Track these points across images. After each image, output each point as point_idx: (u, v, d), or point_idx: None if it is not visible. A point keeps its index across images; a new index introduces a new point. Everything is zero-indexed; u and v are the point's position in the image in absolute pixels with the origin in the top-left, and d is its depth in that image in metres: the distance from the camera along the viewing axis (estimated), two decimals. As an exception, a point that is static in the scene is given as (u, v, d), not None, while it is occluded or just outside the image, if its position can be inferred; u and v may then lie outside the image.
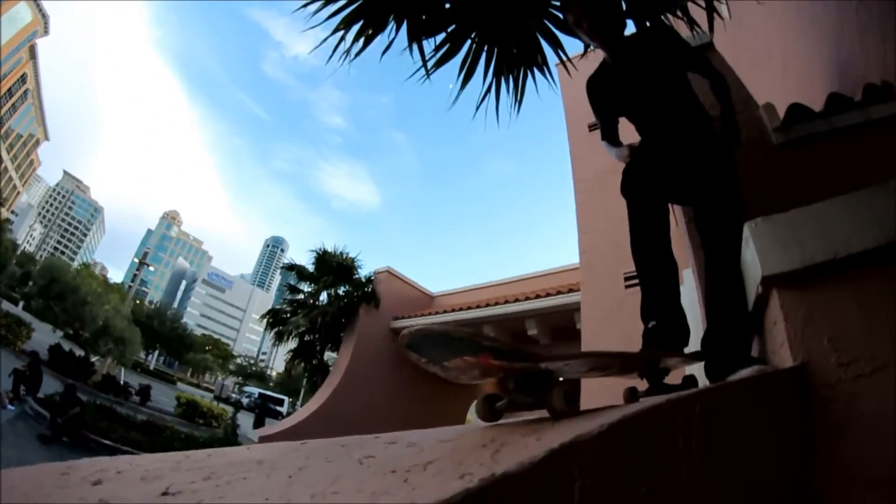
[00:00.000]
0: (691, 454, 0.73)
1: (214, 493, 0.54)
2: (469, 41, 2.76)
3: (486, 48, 2.76)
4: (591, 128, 9.61)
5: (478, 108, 2.81)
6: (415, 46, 2.70)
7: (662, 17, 2.44)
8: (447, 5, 2.66)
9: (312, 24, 2.64)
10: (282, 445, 0.93)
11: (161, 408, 21.89)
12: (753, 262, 1.21)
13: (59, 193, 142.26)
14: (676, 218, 2.83)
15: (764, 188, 2.05)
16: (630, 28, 2.42)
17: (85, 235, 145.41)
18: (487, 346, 0.91)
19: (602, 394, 1.84)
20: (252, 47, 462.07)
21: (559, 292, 10.23)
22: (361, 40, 2.68)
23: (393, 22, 2.67)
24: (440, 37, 2.73)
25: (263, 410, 26.90)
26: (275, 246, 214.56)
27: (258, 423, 21.07)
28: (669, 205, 2.00)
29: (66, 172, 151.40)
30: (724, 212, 1.74)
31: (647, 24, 2.46)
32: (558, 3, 2.61)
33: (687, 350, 1.68)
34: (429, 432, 0.91)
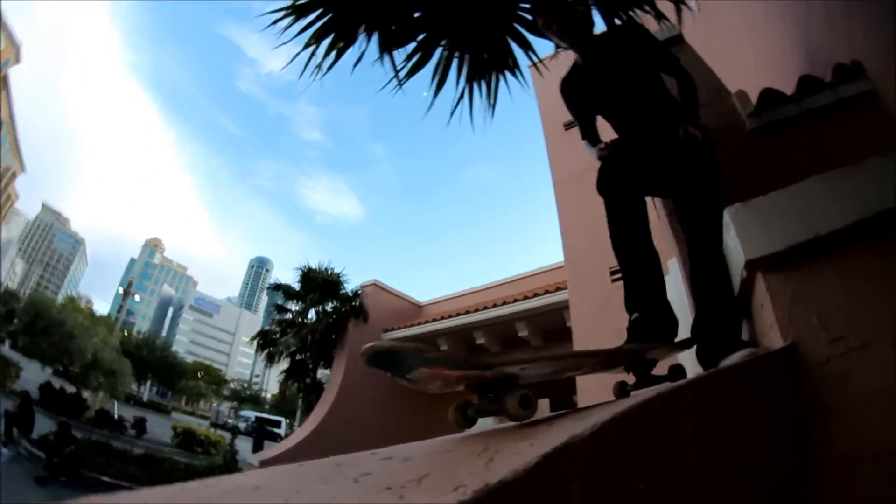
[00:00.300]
0: (685, 447, 0.72)
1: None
2: (440, 49, 2.75)
3: (456, 55, 2.76)
4: (567, 126, 9.70)
5: (452, 115, 2.80)
6: (386, 57, 2.71)
7: (631, 12, 2.45)
8: (416, 14, 2.64)
9: (283, 41, 2.62)
10: (279, 469, 0.91)
11: (158, 439, 21.54)
12: (736, 247, 1.22)
13: (38, 227, 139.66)
14: (658, 210, 2.85)
15: (741, 174, 2.07)
16: (599, 25, 2.44)
17: (67, 268, 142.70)
18: (432, 359, 0.92)
19: (599, 390, 1.83)
20: (225, 65, 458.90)
21: (546, 291, 10.23)
22: (333, 54, 2.66)
23: (363, 34, 2.66)
24: (411, 46, 2.73)
25: (261, 434, 26.56)
26: (260, 266, 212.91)
27: (257, 447, 20.82)
28: (648, 199, 2.01)
29: (44, 205, 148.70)
30: (704, 202, 1.73)
31: (616, 21, 2.47)
32: (527, 6, 2.63)
33: (676, 339, 1.68)
34: (424, 445, 0.89)
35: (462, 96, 2.76)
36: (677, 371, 1.56)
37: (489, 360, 1.01)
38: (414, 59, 2.74)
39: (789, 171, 1.99)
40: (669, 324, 1.69)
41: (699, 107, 1.99)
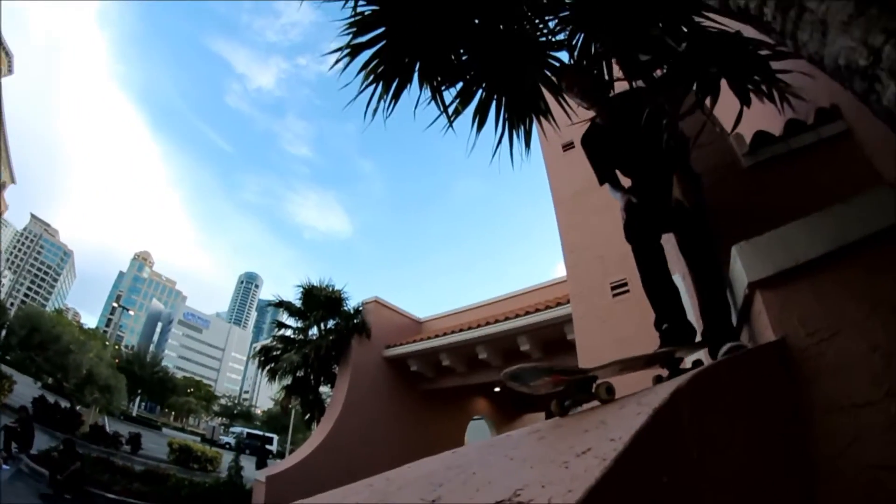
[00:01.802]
0: (728, 392, 1.16)
1: None
2: (481, 91, 3.13)
3: (495, 97, 3.14)
4: (566, 148, 10.16)
5: (494, 153, 3.20)
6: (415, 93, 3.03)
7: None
8: (464, 58, 3.02)
9: (345, 84, 2.96)
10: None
11: (153, 455, 21.32)
12: (741, 272, 1.67)
13: (27, 238, 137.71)
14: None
15: (739, 205, 2.54)
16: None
17: (56, 280, 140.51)
18: (557, 370, 1.42)
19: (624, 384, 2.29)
20: (214, 80, 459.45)
21: (548, 307, 10.47)
22: (391, 92, 3.01)
23: (416, 75, 3.02)
24: (453, 90, 3.13)
25: (263, 451, 26.52)
26: (249, 282, 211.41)
27: (260, 464, 20.76)
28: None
29: (33, 216, 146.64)
30: (701, 241, 2.27)
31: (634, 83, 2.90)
32: (557, 54, 3.08)
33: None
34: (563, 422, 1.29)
35: (502, 136, 3.16)
36: (698, 364, 2.03)
37: (577, 368, 1.48)
38: (458, 100, 3.12)
39: (778, 202, 2.46)
40: (690, 332, 2.18)
41: (687, 167, 2.44)
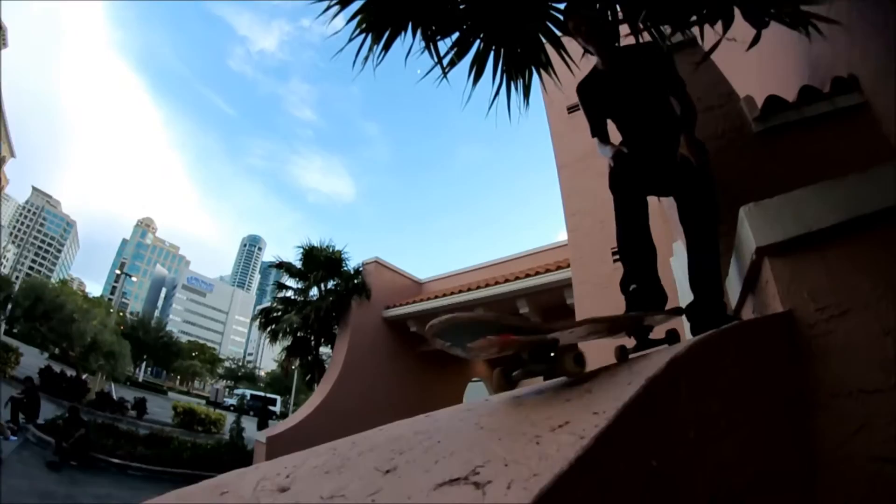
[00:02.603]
0: (732, 366, 1.06)
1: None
2: (478, 42, 2.95)
3: (493, 49, 2.97)
4: (570, 110, 9.87)
5: (490, 107, 3.04)
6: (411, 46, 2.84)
7: (657, 28, 2.69)
8: (461, 6, 2.84)
9: (334, 30, 2.77)
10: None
11: (158, 419, 21.75)
12: (748, 236, 1.54)
13: (29, 211, 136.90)
14: (662, 203, 3.13)
15: (747, 171, 2.40)
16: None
17: (59, 251, 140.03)
18: (511, 326, 1.09)
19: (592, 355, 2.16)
20: (216, 44, 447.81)
21: (548, 270, 10.40)
22: (381, 43, 2.83)
23: (409, 25, 2.83)
24: (450, 39, 2.93)
25: (265, 412, 27.05)
26: (252, 245, 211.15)
27: (262, 425, 21.11)
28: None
29: (34, 188, 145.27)
30: (700, 209, 2.10)
31: (640, 35, 2.72)
32: (559, 6, 2.89)
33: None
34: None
35: (500, 89, 3.00)
36: (673, 335, 1.89)
37: (541, 326, 1.20)
38: (454, 51, 2.95)
39: (788, 170, 2.34)
40: (661, 295, 2.04)
41: (694, 130, 2.26)
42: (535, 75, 3.12)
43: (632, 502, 0.65)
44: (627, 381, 0.81)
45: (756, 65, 3.09)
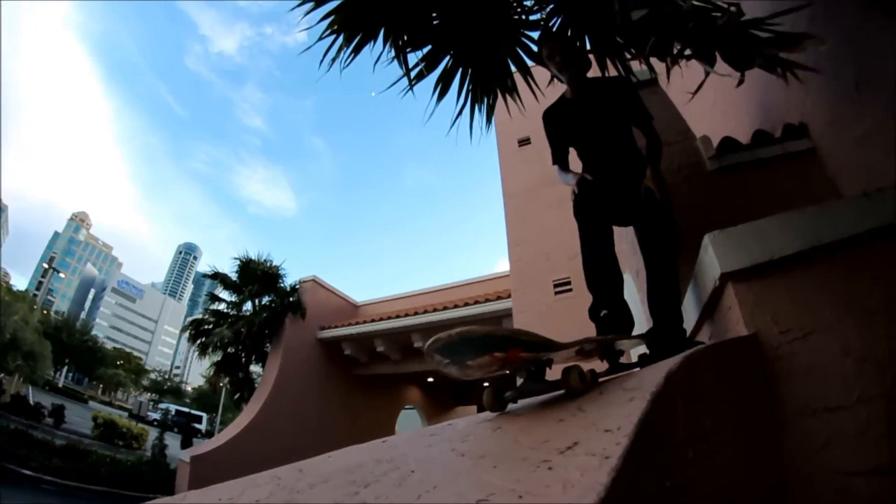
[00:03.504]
0: (719, 383, 1.03)
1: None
2: (447, 58, 2.96)
3: (461, 67, 2.98)
4: (521, 143, 10.20)
5: (452, 125, 3.04)
6: (375, 57, 2.82)
7: (621, 59, 2.79)
8: (434, 21, 2.84)
9: (304, 27, 2.70)
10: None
11: (76, 430, 20.21)
12: (712, 262, 1.57)
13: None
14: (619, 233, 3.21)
15: (701, 205, 2.51)
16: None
17: None
18: (522, 341, 1.05)
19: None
20: (176, 38, 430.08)
21: (487, 299, 10.59)
22: (351, 47, 2.77)
23: (382, 32, 2.80)
24: (417, 53, 2.92)
25: (189, 430, 25.35)
26: (187, 253, 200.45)
27: (186, 443, 19.80)
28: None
29: None
30: (661, 240, 2.14)
31: (615, 64, 2.81)
32: (531, 34, 2.94)
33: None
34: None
35: (463, 108, 3.00)
36: (646, 359, 1.89)
37: (550, 343, 1.12)
38: (423, 64, 2.94)
39: (741, 204, 2.45)
40: (629, 321, 2.04)
41: (660, 163, 2.31)
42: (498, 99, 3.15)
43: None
44: (628, 397, 0.76)
45: (710, 107, 3.30)
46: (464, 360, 1.07)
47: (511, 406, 1.18)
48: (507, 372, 1.19)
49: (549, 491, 0.49)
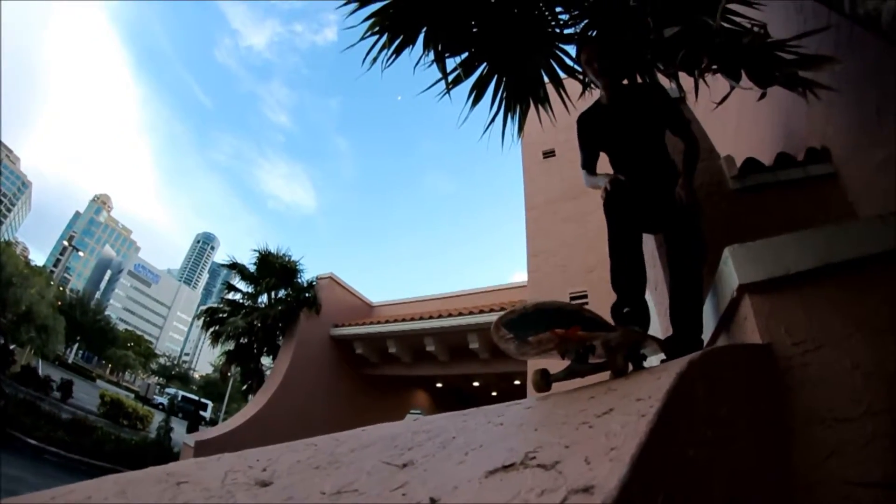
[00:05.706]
0: (736, 380, 1.13)
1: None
2: (483, 65, 3.06)
3: (496, 75, 3.09)
4: (546, 156, 10.27)
5: (486, 130, 3.15)
6: (412, 61, 2.95)
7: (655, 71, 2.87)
8: (474, 28, 2.95)
9: (349, 26, 2.85)
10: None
11: (83, 405, 20.42)
12: (730, 274, 1.65)
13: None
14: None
15: (722, 221, 2.58)
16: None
17: (10, 210, 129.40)
18: (586, 318, 1.18)
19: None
20: (207, 30, 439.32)
21: (503, 308, 10.61)
22: (392, 48, 2.90)
23: (422, 36, 2.92)
24: (458, 58, 3.05)
25: (196, 416, 25.68)
26: (205, 242, 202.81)
27: (191, 429, 20.05)
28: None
29: None
30: (690, 250, 2.19)
31: (644, 77, 2.88)
32: (564, 46, 3.04)
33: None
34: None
35: (496, 115, 3.12)
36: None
37: (608, 323, 1.25)
38: (460, 69, 3.05)
39: (761, 223, 2.52)
40: (648, 319, 2.08)
41: (696, 168, 2.35)
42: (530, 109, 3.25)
43: (691, 481, 0.65)
44: (655, 376, 0.85)
45: (733, 127, 3.38)
46: (526, 336, 1.18)
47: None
48: (559, 353, 1.28)
49: (593, 442, 0.56)
